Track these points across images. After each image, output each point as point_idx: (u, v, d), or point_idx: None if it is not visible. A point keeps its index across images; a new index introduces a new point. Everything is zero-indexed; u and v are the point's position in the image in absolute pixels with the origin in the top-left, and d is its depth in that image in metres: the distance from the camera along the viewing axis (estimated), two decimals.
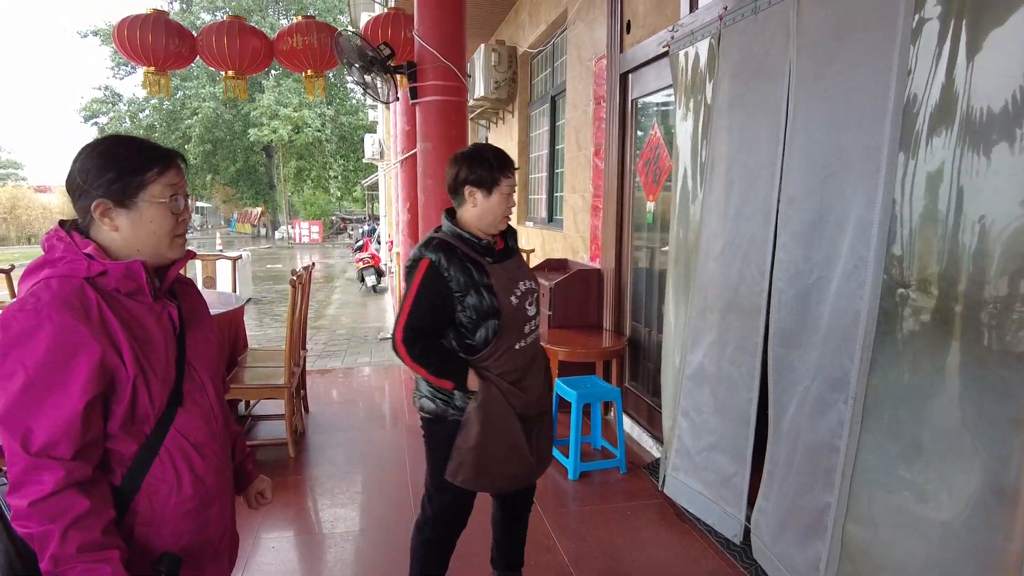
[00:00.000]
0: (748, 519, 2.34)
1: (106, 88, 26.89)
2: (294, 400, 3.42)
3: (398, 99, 4.44)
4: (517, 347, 1.73)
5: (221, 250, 14.31)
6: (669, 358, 2.86)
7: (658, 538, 2.57)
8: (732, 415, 2.41)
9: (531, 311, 1.77)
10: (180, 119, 25.39)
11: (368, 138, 16.45)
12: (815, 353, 1.94)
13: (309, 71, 4.79)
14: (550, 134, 5.77)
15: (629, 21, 3.57)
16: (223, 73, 4.87)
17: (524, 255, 2.30)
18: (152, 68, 4.59)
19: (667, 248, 2.95)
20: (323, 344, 6.43)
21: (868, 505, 1.78)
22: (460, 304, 1.65)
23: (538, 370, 1.83)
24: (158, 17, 4.45)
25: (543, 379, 1.87)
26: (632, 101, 3.62)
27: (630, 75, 3.60)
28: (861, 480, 1.79)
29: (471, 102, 6.22)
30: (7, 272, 3.92)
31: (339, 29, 4.40)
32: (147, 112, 26.20)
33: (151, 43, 4.38)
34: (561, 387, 3.13)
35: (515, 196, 1.79)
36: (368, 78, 3.70)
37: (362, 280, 10.70)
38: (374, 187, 20.94)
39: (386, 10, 4.91)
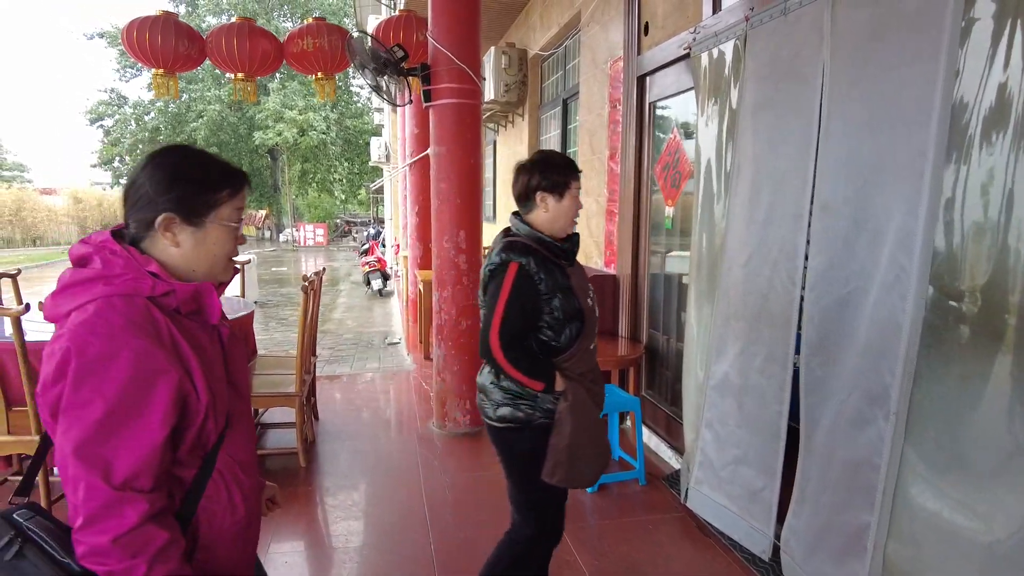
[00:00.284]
0: (777, 535, 2.27)
1: (111, 90, 27.02)
2: (304, 409, 3.35)
3: (411, 102, 4.38)
4: (591, 347, 1.79)
5: None
6: (691, 368, 2.78)
7: (682, 553, 2.50)
8: (760, 427, 2.33)
9: (597, 312, 1.84)
10: (185, 122, 25.41)
11: (374, 141, 16.45)
12: (850, 366, 1.87)
13: (320, 73, 4.74)
14: (561, 137, 5.70)
15: (647, 23, 3.50)
16: (228, 76, 4.80)
17: None
18: (161, 70, 4.54)
19: (687, 253, 2.88)
20: (330, 349, 6.36)
21: (910, 525, 1.70)
22: (547, 306, 1.66)
23: (599, 369, 1.88)
24: (167, 19, 4.40)
25: (601, 377, 1.91)
26: (650, 104, 3.55)
27: (648, 78, 3.53)
28: (903, 499, 1.72)
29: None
30: (14, 276, 3.85)
31: (351, 32, 4.35)
32: (152, 115, 26.27)
33: (160, 45, 4.33)
34: None
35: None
36: (382, 81, 3.64)
37: (368, 283, 10.68)
38: (379, 190, 20.91)
39: (396, 13, 4.86)
